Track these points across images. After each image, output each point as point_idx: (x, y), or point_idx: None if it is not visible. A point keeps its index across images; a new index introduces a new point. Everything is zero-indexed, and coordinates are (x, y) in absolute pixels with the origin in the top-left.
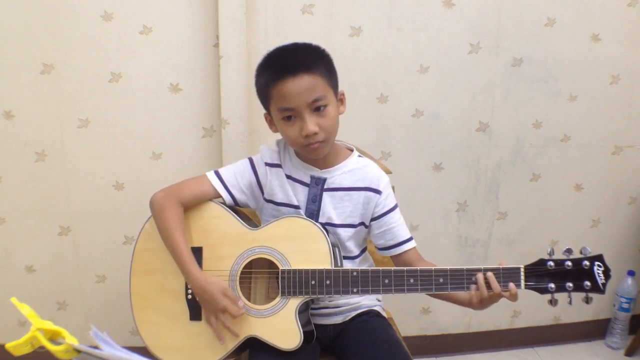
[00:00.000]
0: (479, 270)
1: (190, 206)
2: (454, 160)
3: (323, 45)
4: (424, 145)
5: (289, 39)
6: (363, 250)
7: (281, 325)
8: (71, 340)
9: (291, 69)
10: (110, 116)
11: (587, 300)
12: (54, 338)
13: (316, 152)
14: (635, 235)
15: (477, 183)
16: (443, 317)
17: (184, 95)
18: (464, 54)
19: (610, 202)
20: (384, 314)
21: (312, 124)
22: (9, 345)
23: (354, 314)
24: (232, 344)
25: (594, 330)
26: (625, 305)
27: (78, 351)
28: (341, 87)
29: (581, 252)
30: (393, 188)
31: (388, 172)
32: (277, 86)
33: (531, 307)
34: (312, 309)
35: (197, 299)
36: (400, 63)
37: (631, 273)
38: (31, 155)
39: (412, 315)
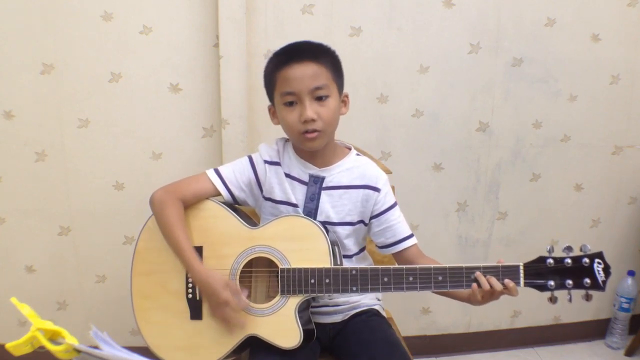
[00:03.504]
0: (477, 268)
1: (190, 203)
2: (454, 160)
3: None
4: (424, 145)
5: (289, 39)
6: (362, 250)
7: (281, 324)
8: (71, 340)
9: (298, 56)
10: (110, 116)
11: (587, 298)
12: (54, 338)
13: (312, 143)
14: (635, 235)
15: (477, 183)
16: (443, 317)
17: (184, 95)
18: (464, 54)
19: (610, 202)
20: (383, 313)
21: (311, 110)
22: (9, 345)
23: (353, 312)
24: (232, 343)
25: (594, 330)
26: (625, 305)
27: (78, 351)
28: None
29: (581, 250)
30: (393, 188)
31: (388, 172)
32: (282, 70)
33: (531, 307)
34: (312, 307)
35: (201, 293)
36: (400, 63)
37: (631, 273)
38: (31, 155)
39: (412, 315)
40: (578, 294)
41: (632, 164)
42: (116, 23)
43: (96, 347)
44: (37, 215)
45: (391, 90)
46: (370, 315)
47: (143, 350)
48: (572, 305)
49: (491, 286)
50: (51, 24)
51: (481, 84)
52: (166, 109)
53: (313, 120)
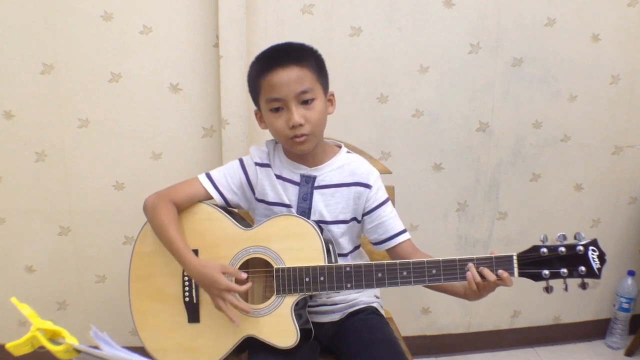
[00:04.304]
0: (471, 260)
1: (183, 207)
2: (454, 160)
3: (323, 45)
4: (424, 145)
5: (289, 39)
6: (356, 248)
7: (278, 324)
8: (71, 340)
9: (281, 61)
10: (110, 116)
11: (584, 286)
12: (54, 338)
13: (301, 146)
14: (635, 235)
15: (477, 183)
16: (443, 317)
17: (184, 95)
18: (464, 54)
19: (610, 202)
20: (382, 311)
21: (298, 115)
22: (9, 345)
23: (351, 310)
24: (230, 345)
25: (594, 330)
26: (625, 305)
27: (78, 351)
28: (341, 87)
29: (575, 238)
30: (393, 188)
31: (388, 172)
32: (266, 76)
33: (531, 307)
34: (309, 306)
35: (201, 288)
36: (400, 63)
37: (631, 273)
38: (31, 155)
39: (411, 315)
40: (574, 283)
41: (632, 164)
42: (116, 23)
43: (96, 347)
44: (37, 215)
45: (391, 90)
46: (369, 314)
47: (143, 351)
48: (572, 305)
49: (484, 277)
50: (51, 24)
51: (481, 84)
52: (166, 109)
53: (301, 125)
